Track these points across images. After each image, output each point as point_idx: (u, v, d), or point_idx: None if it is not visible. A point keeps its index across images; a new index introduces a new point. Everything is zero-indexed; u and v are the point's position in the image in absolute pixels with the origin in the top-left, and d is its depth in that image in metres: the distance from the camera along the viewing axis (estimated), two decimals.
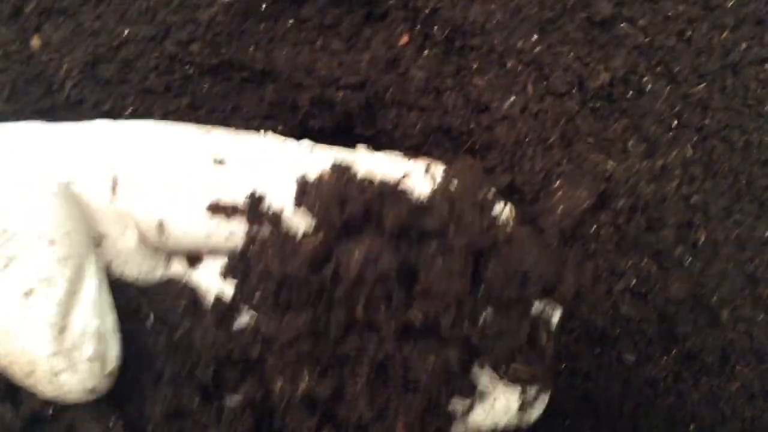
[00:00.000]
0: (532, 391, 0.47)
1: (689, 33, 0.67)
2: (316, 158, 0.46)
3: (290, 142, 0.48)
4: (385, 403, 0.44)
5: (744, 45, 0.67)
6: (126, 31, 0.68)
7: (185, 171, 0.44)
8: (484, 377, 0.47)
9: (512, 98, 0.66)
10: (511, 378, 0.46)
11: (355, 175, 0.44)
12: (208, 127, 0.47)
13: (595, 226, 0.66)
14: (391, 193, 0.44)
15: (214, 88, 0.70)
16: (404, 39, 0.69)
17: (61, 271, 0.38)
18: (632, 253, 0.66)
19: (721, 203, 0.67)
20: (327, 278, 0.42)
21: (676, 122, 0.67)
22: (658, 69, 0.67)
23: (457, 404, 0.46)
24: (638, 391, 0.67)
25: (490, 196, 0.46)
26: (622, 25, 0.67)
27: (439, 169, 0.47)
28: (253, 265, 0.44)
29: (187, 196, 0.44)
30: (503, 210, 0.48)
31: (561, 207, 0.65)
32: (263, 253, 0.43)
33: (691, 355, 0.67)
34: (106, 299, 0.41)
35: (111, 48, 0.69)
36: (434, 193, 0.45)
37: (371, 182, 0.44)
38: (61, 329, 0.38)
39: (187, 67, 0.69)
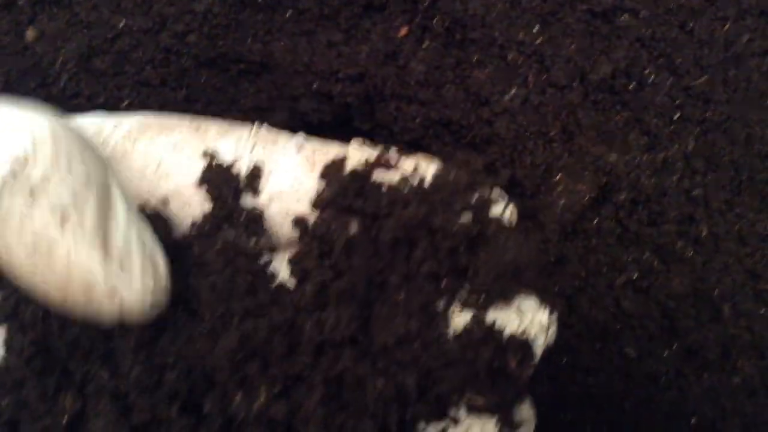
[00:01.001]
0: (513, 419, 0.45)
1: (691, 25, 0.66)
2: (307, 152, 0.46)
3: (283, 136, 0.47)
4: (340, 424, 0.42)
5: (746, 37, 0.66)
6: (122, 23, 0.67)
7: (175, 164, 0.45)
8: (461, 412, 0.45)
9: (513, 91, 0.65)
10: (469, 407, 0.44)
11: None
12: (201, 120, 0.48)
13: (596, 220, 0.66)
14: (372, 197, 0.44)
15: (210, 81, 0.69)
16: (404, 31, 0.68)
17: (87, 195, 0.39)
18: (633, 248, 0.66)
19: (723, 197, 0.66)
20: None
21: (677, 115, 0.66)
22: (660, 61, 0.66)
23: (427, 429, 0.45)
24: (639, 386, 0.66)
25: (486, 194, 0.45)
26: (623, 16, 0.66)
27: (431, 168, 0.46)
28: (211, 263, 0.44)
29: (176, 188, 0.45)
30: (503, 210, 0.46)
31: (562, 201, 0.64)
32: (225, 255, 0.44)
33: (692, 350, 0.66)
34: (138, 219, 0.42)
35: (106, 40, 0.68)
36: (415, 194, 0.44)
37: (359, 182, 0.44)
38: (105, 249, 0.39)
39: (183, 59, 0.68)
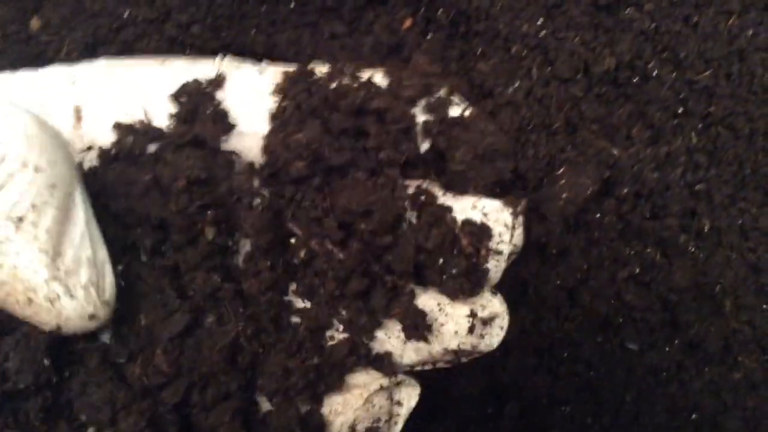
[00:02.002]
0: (483, 313, 0.46)
1: (695, 18, 0.66)
2: (269, 75, 0.48)
3: (247, 64, 0.49)
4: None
5: (750, 31, 0.66)
6: (126, 13, 0.68)
7: (143, 99, 0.47)
8: (429, 301, 0.46)
9: (517, 83, 0.65)
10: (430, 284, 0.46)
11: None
12: (164, 57, 0.49)
13: (598, 214, 0.65)
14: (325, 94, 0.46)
15: None
16: (407, 23, 0.68)
17: (49, 199, 0.39)
18: (636, 241, 0.66)
19: (726, 191, 0.66)
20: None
21: (681, 109, 0.66)
22: (664, 55, 0.66)
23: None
24: (640, 379, 0.66)
25: (444, 95, 0.46)
26: (627, 9, 0.66)
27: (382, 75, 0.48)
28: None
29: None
30: (463, 112, 0.47)
31: (565, 194, 0.64)
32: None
33: (693, 344, 0.66)
34: (96, 230, 0.42)
35: (111, 30, 0.68)
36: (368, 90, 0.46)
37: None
38: (55, 255, 0.39)
39: (187, 49, 0.68)
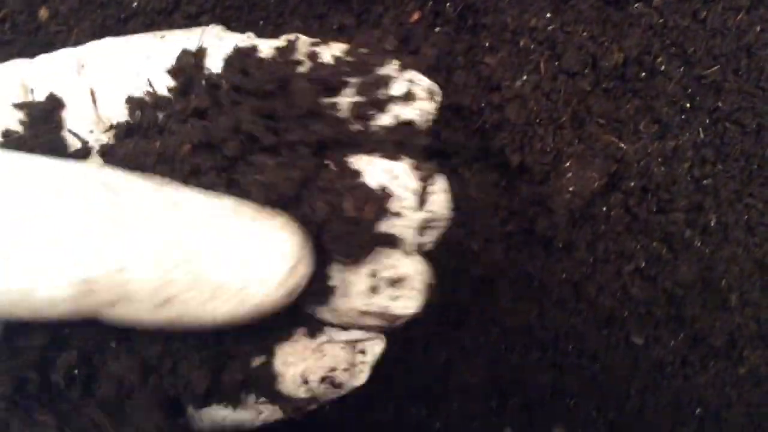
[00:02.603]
0: (388, 273, 0.45)
1: (704, 14, 0.66)
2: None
3: (235, 35, 0.50)
4: None
5: (759, 27, 0.66)
6: (135, 3, 0.68)
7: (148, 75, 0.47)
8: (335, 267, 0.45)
9: (524, 77, 0.65)
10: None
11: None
12: (162, 33, 0.50)
13: (605, 208, 0.66)
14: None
15: None
16: (415, 16, 0.68)
17: None
18: (642, 236, 0.66)
19: (733, 187, 0.67)
20: None
21: (688, 104, 0.66)
22: (672, 50, 0.66)
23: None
24: (645, 373, 0.66)
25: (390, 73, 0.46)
26: (636, 4, 0.66)
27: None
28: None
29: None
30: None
31: (571, 187, 0.64)
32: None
33: (698, 338, 0.66)
34: None
35: (120, 20, 0.68)
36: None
37: None
38: None
39: None
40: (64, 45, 0.67)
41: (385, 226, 0.45)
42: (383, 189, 0.45)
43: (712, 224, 0.66)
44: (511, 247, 0.66)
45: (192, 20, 0.67)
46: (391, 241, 0.46)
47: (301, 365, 0.45)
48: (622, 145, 0.65)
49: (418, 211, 0.45)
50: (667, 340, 0.66)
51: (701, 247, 0.66)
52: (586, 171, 0.64)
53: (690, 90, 0.66)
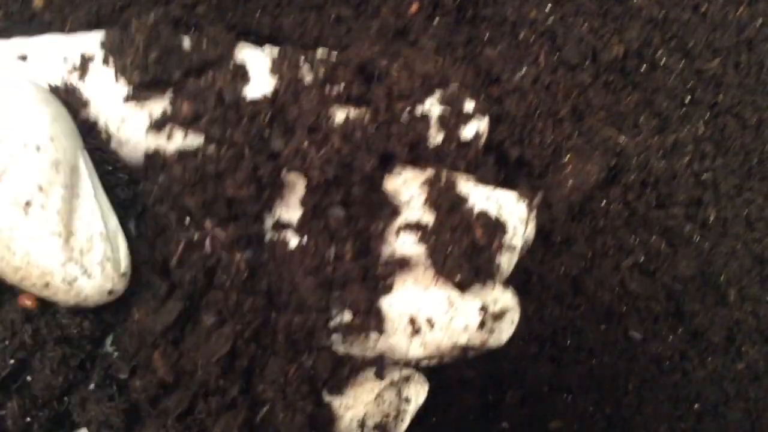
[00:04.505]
0: (495, 307, 0.46)
1: (704, 7, 0.66)
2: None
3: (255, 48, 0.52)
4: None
5: (759, 21, 0.66)
6: None
7: None
8: (438, 293, 0.45)
9: (524, 69, 0.65)
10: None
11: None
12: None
13: (604, 201, 0.65)
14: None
15: None
16: (414, 7, 0.67)
17: (54, 177, 0.37)
18: (641, 230, 0.66)
19: (732, 181, 0.66)
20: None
21: (688, 98, 0.66)
22: (672, 43, 0.66)
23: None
24: (643, 368, 0.66)
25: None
26: None
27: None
28: None
29: None
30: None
31: (570, 181, 0.64)
32: None
33: (697, 333, 0.66)
34: (103, 197, 0.41)
35: (114, 10, 0.67)
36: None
37: None
38: (67, 236, 0.38)
39: (192, 30, 0.67)
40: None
41: (504, 258, 0.45)
42: (498, 219, 0.45)
43: (712, 219, 0.66)
44: None
45: (188, 10, 0.66)
46: (501, 273, 0.46)
47: (361, 409, 0.45)
48: (622, 138, 0.65)
49: (522, 240, 0.46)
50: (665, 335, 0.66)
51: (700, 242, 0.66)
52: (586, 165, 0.64)
53: (690, 84, 0.66)
